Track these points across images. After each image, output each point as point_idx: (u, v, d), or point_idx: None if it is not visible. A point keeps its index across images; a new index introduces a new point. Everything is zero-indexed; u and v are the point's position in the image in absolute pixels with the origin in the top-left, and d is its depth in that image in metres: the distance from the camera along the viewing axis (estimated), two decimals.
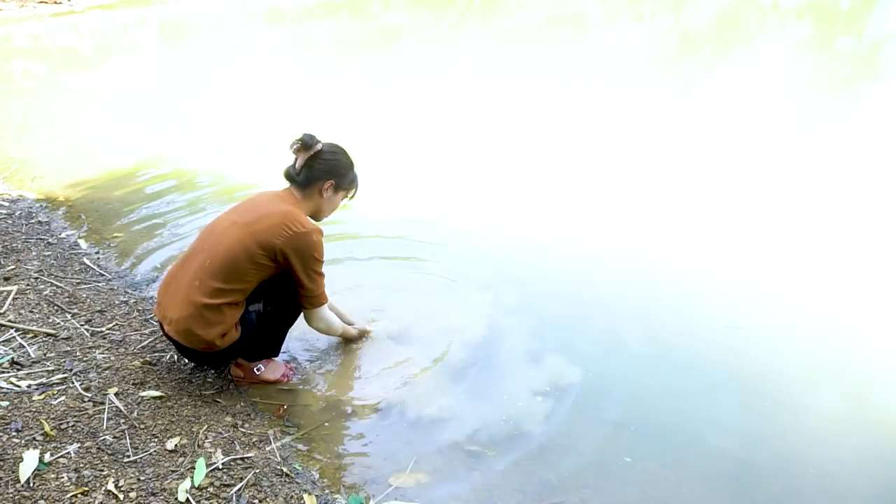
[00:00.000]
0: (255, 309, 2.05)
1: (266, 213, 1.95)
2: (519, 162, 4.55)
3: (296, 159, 2.04)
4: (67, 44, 10.06)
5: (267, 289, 2.03)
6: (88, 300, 2.61)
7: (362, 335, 2.50)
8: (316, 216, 2.13)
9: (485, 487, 1.86)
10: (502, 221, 3.55)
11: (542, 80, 7.12)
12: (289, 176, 2.07)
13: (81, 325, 2.40)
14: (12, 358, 2.11)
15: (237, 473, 1.76)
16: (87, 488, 1.61)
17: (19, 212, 3.53)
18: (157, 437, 1.86)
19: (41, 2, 12.89)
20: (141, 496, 1.61)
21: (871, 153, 4.64)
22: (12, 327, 2.29)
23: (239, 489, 1.70)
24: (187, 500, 1.62)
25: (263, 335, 2.12)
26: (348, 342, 2.48)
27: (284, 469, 1.84)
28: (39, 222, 3.42)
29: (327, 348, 2.49)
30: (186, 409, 2.02)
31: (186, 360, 2.24)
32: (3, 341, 2.21)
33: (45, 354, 2.17)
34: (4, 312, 2.40)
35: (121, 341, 2.34)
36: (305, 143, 2.00)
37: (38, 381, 2.02)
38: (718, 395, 2.25)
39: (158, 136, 5.15)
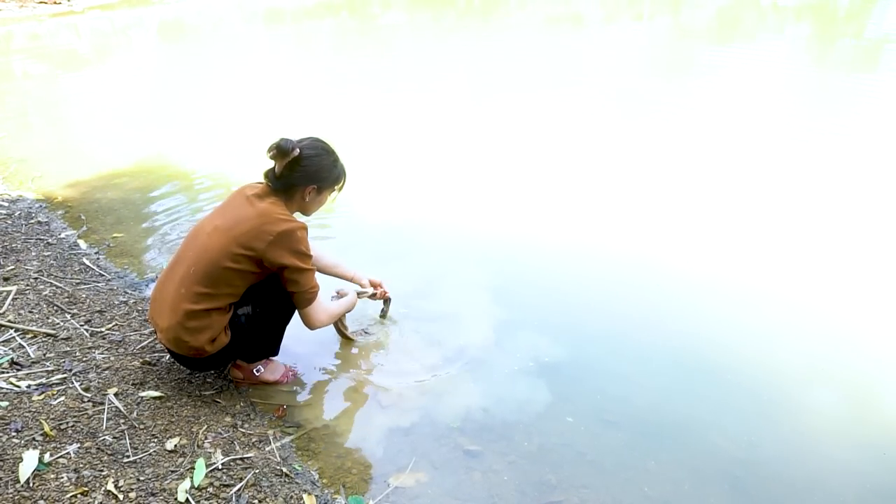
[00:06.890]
0: (243, 312, 2.03)
1: (245, 216, 1.90)
2: (516, 161, 4.55)
3: (275, 164, 1.96)
4: (67, 44, 10.06)
5: (255, 292, 2.01)
6: (88, 300, 2.61)
7: (355, 300, 2.39)
8: (302, 214, 2.07)
9: (484, 487, 1.86)
10: (501, 221, 3.55)
11: (541, 80, 7.12)
12: (269, 180, 1.99)
13: (81, 325, 2.40)
14: (12, 358, 2.11)
15: (237, 474, 1.76)
16: (86, 488, 1.61)
17: (19, 212, 3.53)
18: (156, 437, 1.86)
19: (41, 2, 12.91)
20: (141, 496, 1.61)
21: (869, 153, 4.64)
22: (12, 327, 2.29)
23: (239, 489, 1.70)
24: (187, 500, 1.62)
25: (257, 337, 2.10)
26: (347, 341, 2.48)
27: (284, 469, 1.84)
28: (39, 222, 3.42)
29: (326, 349, 2.49)
30: (186, 410, 2.01)
31: None
32: (3, 341, 2.21)
33: (44, 355, 2.17)
34: (4, 312, 2.40)
35: (120, 341, 2.34)
36: (282, 150, 1.91)
37: (38, 381, 2.02)
38: (718, 395, 2.25)
39: (158, 135, 5.16)
